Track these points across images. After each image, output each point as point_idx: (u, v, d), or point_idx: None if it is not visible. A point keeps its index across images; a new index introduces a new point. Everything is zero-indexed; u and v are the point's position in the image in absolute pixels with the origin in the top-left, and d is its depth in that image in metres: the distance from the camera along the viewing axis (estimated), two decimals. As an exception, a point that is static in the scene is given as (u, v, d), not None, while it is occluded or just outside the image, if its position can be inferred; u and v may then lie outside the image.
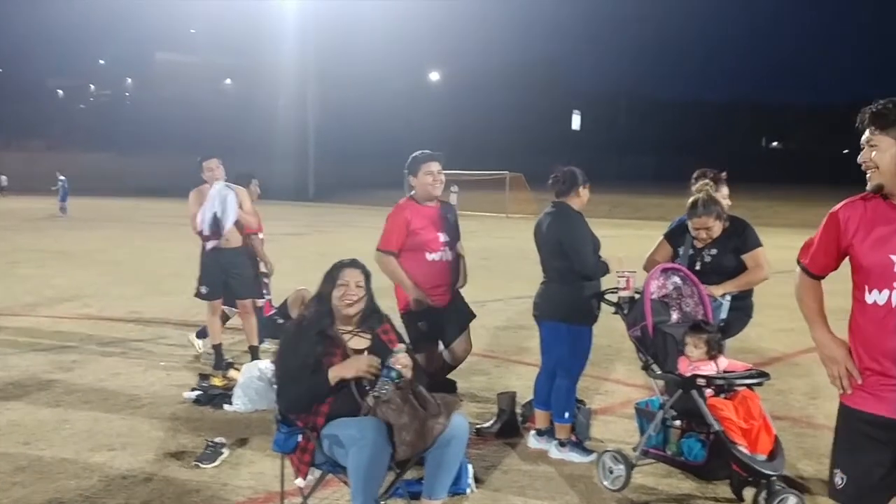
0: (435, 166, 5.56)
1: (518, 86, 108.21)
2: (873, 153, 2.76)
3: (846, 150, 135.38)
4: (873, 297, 2.83)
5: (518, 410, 5.74)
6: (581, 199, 5.26)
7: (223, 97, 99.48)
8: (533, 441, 5.30)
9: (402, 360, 3.72)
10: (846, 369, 2.93)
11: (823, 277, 3.09)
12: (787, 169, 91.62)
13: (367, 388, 3.72)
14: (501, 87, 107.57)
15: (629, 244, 5.64)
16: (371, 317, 4.00)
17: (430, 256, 5.54)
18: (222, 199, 7.08)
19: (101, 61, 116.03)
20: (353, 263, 4.03)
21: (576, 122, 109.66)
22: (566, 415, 5.12)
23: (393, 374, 3.67)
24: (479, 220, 33.34)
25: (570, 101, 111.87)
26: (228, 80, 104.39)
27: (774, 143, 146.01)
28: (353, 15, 77.46)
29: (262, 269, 7.89)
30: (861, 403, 2.87)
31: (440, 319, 5.62)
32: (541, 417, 5.31)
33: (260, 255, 7.84)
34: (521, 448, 5.30)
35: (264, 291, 8.75)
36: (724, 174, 5.68)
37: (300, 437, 3.71)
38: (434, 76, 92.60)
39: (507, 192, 39.19)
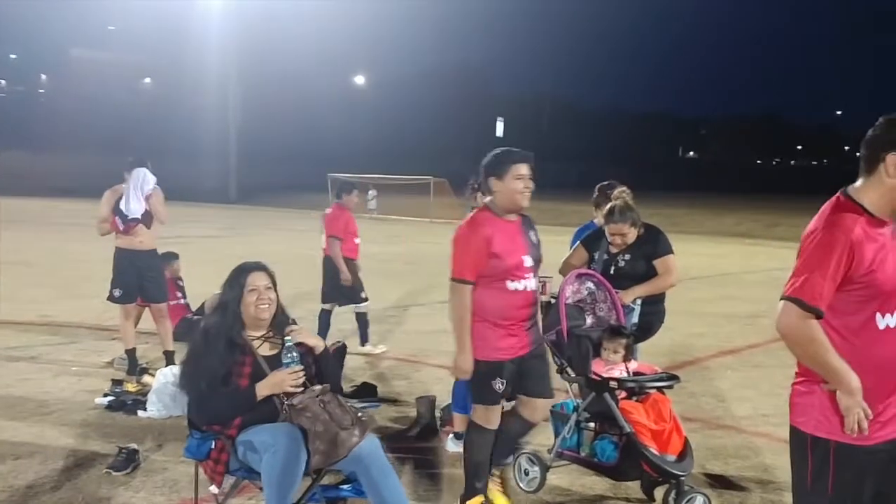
0: (526, 169, 4.29)
1: (442, 91, 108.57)
2: None
3: (759, 161, 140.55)
4: (886, 321, 2.66)
5: (437, 414, 5.78)
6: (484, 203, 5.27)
7: (142, 96, 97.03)
8: (451, 444, 5.35)
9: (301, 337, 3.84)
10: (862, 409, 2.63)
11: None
12: (702, 178, 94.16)
13: (285, 398, 3.70)
14: (426, 91, 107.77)
15: (551, 249, 5.74)
16: (279, 321, 3.95)
17: (511, 285, 4.17)
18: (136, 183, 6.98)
19: (13, 56, 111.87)
20: (259, 267, 3.94)
21: (499, 128, 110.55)
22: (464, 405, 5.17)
23: (289, 359, 3.69)
24: (403, 225, 33.34)
25: (494, 108, 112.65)
26: (147, 79, 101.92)
27: (691, 153, 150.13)
28: (276, 16, 76.50)
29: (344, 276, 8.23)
30: (877, 436, 2.67)
31: (519, 369, 4.31)
32: (459, 421, 5.35)
33: (337, 260, 8.13)
34: (439, 452, 5.34)
35: (178, 294, 8.62)
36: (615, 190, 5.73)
37: (213, 444, 3.66)
38: (359, 79, 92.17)
39: (431, 197, 39.27)
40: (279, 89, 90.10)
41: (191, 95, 75.59)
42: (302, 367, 3.73)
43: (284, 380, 3.68)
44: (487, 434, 4.27)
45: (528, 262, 4.23)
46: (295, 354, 3.72)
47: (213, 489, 3.74)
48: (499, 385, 4.17)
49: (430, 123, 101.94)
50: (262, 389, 3.67)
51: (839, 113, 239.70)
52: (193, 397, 3.75)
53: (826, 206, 2.75)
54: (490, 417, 4.26)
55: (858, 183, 2.75)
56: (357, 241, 8.53)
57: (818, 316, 2.62)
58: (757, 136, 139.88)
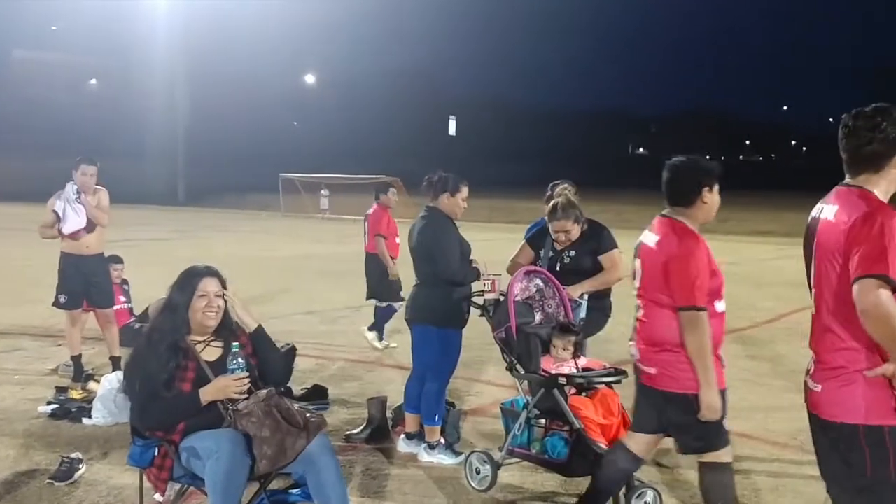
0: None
1: (394, 90, 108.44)
2: None
3: (708, 156, 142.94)
4: None
5: (389, 415, 5.75)
6: (453, 203, 5.28)
7: (88, 97, 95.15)
8: (403, 445, 5.33)
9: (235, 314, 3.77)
10: None
11: None
12: (652, 175, 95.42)
13: (229, 404, 3.64)
14: (377, 90, 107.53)
15: (503, 247, 5.76)
16: (225, 326, 3.88)
17: (719, 307, 3.73)
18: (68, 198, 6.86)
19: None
20: (210, 272, 3.87)
21: (452, 127, 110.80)
22: (436, 417, 5.18)
23: (234, 365, 3.63)
24: (357, 225, 33.12)
25: (447, 107, 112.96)
26: (94, 80, 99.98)
27: (641, 150, 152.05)
28: (225, 15, 75.55)
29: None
30: None
31: None
32: (411, 421, 5.34)
33: (384, 257, 8.27)
34: (390, 453, 5.31)
35: (123, 298, 8.48)
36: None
37: (157, 450, 3.59)
38: (309, 79, 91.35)
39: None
40: (228, 89, 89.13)
41: (138, 96, 74.35)
42: (247, 373, 3.66)
43: (229, 385, 3.62)
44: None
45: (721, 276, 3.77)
46: (241, 360, 3.66)
47: (158, 497, 3.66)
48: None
49: (383, 122, 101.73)
50: (206, 395, 3.61)
51: (785, 108, 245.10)
52: (136, 402, 3.67)
53: (853, 197, 2.86)
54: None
55: (860, 178, 2.92)
56: (397, 240, 8.61)
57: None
58: (705, 133, 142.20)
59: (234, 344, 3.69)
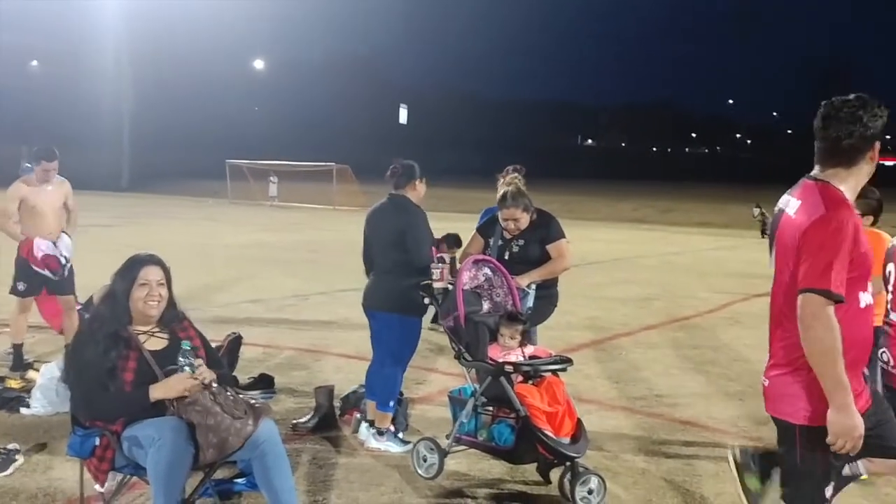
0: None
1: (344, 76, 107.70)
2: None
3: (654, 148, 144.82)
4: (865, 299, 2.85)
5: (336, 404, 5.73)
6: (418, 192, 5.31)
7: (29, 80, 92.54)
8: (364, 432, 5.28)
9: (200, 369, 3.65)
10: (859, 444, 2.73)
11: None
12: (600, 165, 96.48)
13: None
14: (327, 77, 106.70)
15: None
16: (170, 316, 3.83)
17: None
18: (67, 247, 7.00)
19: None
20: (153, 260, 3.80)
21: (403, 115, 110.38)
22: (391, 403, 5.17)
23: (185, 363, 3.57)
24: (307, 213, 32.95)
25: (398, 95, 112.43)
26: (35, 62, 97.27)
27: (589, 141, 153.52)
28: (171, -3, 74.07)
29: None
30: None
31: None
32: (372, 408, 5.30)
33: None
34: (338, 441, 5.29)
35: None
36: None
37: (98, 441, 3.52)
38: (258, 64, 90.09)
39: (334, 184, 38.93)
40: (174, 74, 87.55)
41: (81, 79, 72.70)
42: (197, 378, 3.58)
43: (175, 387, 3.54)
44: None
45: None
46: (191, 360, 3.58)
47: (98, 488, 3.60)
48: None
49: (332, 109, 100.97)
50: (156, 392, 3.53)
51: (731, 102, 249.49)
52: (80, 393, 3.60)
53: (815, 194, 2.81)
54: None
55: (829, 172, 2.86)
56: None
57: (838, 303, 2.67)
58: (653, 124, 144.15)
59: (185, 342, 3.62)
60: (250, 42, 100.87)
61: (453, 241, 8.58)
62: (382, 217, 5.27)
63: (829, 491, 2.86)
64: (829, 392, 2.70)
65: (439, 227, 6.71)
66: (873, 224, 5.04)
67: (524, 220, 5.26)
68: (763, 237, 24.75)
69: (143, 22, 57.64)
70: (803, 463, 2.84)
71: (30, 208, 6.80)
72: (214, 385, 3.61)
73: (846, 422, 2.69)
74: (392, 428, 5.22)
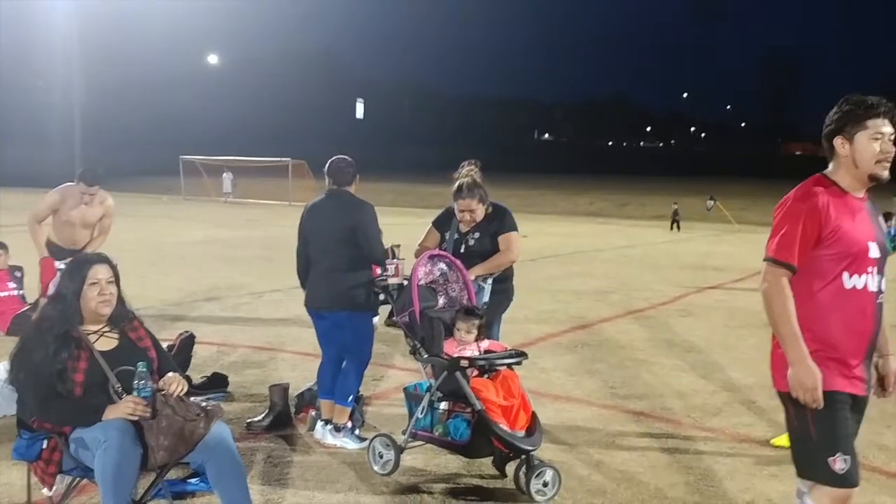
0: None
1: (300, 71, 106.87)
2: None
3: (610, 143, 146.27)
4: (852, 281, 2.99)
5: (291, 402, 5.69)
6: (358, 189, 5.30)
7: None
8: (319, 431, 5.24)
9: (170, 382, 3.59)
10: (816, 395, 2.95)
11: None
12: (557, 160, 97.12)
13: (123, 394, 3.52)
14: (282, 72, 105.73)
15: (412, 232, 5.78)
16: (119, 315, 3.76)
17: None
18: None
19: None
20: (100, 259, 3.77)
21: (359, 110, 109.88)
22: (350, 398, 5.14)
23: (141, 386, 3.48)
24: (262, 209, 32.65)
25: (354, 90, 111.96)
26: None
27: (546, 136, 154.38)
28: (122, -8, 72.69)
29: None
30: (841, 385, 3.01)
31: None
32: (326, 407, 5.27)
33: None
34: (293, 440, 5.25)
35: (12, 285, 8.21)
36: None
37: (45, 443, 3.45)
38: (212, 59, 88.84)
39: (289, 180, 38.63)
40: (128, 70, 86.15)
41: (32, 76, 71.18)
42: (149, 405, 3.45)
43: (128, 409, 3.42)
44: None
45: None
46: (148, 383, 3.48)
47: (46, 492, 3.53)
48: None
49: (288, 104, 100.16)
50: (111, 413, 3.43)
51: (685, 96, 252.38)
52: (30, 396, 3.51)
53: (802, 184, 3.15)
54: None
55: (831, 164, 3.17)
56: None
57: (791, 271, 3.01)
58: (608, 119, 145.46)
59: (142, 363, 3.54)
60: (204, 37, 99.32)
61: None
62: (328, 214, 5.19)
63: (837, 464, 2.96)
64: (784, 348, 3.00)
65: (397, 222, 6.70)
66: None
67: (479, 211, 5.26)
68: (672, 230, 25.13)
69: (95, 17, 56.59)
70: (798, 428, 3.06)
71: (62, 219, 6.90)
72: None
73: (800, 375, 2.94)
74: (350, 424, 5.19)
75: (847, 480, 2.97)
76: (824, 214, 2.98)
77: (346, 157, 5.36)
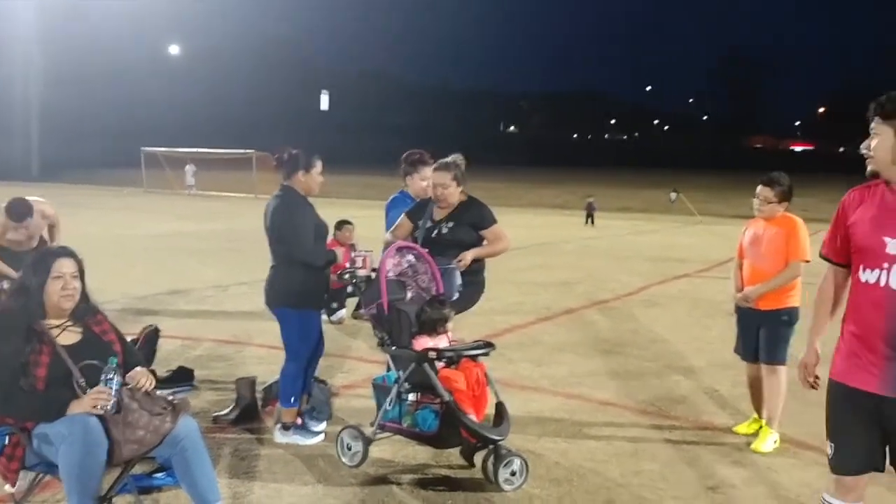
0: None
1: (264, 62, 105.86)
2: (873, 141, 2.95)
3: (575, 135, 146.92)
4: (865, 276, 2.98)
5: (258, 395, 5.66)
6: (308, 182, 5.12)
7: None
8: (279, 436, 5.16)
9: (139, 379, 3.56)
10: (806, 374, 3.27)
11: (847, 265, 3.12)
12: (522, 152, 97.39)
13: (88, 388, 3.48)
14: (246, 62, 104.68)
15: (378, 224, 5.77)
16: (83, 309, 3.72)
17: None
18: None
19: None
20: (65, 252, 3.71)
21: (324, 101, 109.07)
22: (292, 399, 5.09)
23: (108, 380, 3.45)
24: (226, 202, 32.37)
25: (319, 81, 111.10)
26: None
27: (511, 128, 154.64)
28: (81, -20, 71.35)
29: None
30: (844, 377, 3.03)
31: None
32: (286, 414, 5.22)
33: None
34: (260, 433, 5.22)
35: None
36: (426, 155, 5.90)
37: (7, 439, 3.40)
38: (174, 49, 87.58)
39: (254, 172, 38.27)
40: (88, 61, 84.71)
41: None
42: (115, 398, 3.43)
43: (91, 402, 3.40)
44: None
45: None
46: (117, 378, 3.45)
47: (8, 488, 3.48)
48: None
49: (251, 96, 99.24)
50: (75, 408, 3.40)
51: (649, 89, 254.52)
52: None
53: None
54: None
55: None
56: None
57: (831, 263, 3.19)
58: (573, 111, 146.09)
59: (112, 358, 3.50)
60: (166, 26, 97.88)
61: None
62: (269, 210, 5.16)
63: (827, 449, 3.10)
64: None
65: (364, 214, 6.67)
66: (786, 209, 5.21)
67: (452, 190, 5.22)
68: (586, 224, 25.30)
69: (54, 7, 55.55)
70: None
71: (7, 239, 6.27)
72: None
73: (804, 356, 3.28)
74: (299, 421, 5.14)
75: (833, 468, 3.07)
76: (849, 209, 3.06)
77: (288, 149, 5.21)
